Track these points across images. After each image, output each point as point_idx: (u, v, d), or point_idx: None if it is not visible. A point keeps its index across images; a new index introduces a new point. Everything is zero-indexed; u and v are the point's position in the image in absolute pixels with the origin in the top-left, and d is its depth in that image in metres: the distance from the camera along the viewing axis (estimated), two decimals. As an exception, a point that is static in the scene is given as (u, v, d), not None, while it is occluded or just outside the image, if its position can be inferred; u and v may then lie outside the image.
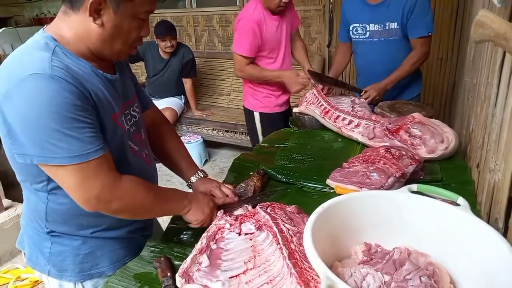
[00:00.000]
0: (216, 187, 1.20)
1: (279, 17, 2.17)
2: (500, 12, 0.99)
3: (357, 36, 2.16)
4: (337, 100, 1.92)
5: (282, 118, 2.34)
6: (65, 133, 0.80)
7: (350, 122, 1.72)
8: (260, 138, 2.42)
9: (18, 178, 0.99)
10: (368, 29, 2.10)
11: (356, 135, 1.66)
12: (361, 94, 2.07)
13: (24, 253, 1.10)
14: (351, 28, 2.17)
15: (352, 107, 1.84)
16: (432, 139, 1.46)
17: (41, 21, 5.83)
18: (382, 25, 2.06)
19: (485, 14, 0.70)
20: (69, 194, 0.88)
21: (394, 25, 2.04)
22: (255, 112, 2.40)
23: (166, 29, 3.55)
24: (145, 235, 1.16)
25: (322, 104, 1.86)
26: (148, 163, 1.12)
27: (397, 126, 1.56)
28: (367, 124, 1.66)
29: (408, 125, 1.53)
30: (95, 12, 0.84)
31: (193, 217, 1.06)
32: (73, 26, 0.88)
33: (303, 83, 2.07)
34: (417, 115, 1.58)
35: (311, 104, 1.90)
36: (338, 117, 1.77)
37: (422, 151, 1.44)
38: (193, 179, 1.24)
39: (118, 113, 0.97)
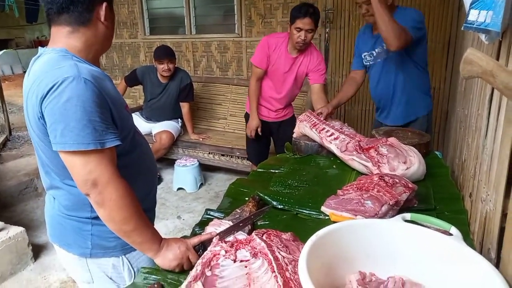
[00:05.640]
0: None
1: (294, 59, 2.60)
2: (489, 48, 1.04)
3: (368, 63, 2.42)
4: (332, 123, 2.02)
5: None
6: (86, 125, 0.94)
7: (332, 134, 1.86)
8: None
9: (58, 176, 1.11)
10: (374, 54, 2.35)
11: (333, 146, 1.80)
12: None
13: (58, 245, 1.21)
14: (363, 57, 2.43)
15: (341, 128, 1.94)
16: (396, 158, 1.53)
17: (41, 43, 5.96)
18: (381, 46, 2.26)
19: (473, 52, 0.73)
20: (72, 175, 0.99)
21: None
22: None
23: (165, 53, 3.62)
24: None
25: (312, 120, 2.03)
26: (147, 143, 1.31)
27: (369, 146, 1.66)
28: (344, 139, 1.79)
29: (379, 145, 1.61)
30: (105, 16, 1.07)
31: (164, 262, 1.06)
32: (83, 38, 1.06)
33: (250, 133, 2.85)
34: (391, 139, 1.63)
35: (303, 122, 2.05)
36: (323, 129, 1.93)
37: (385, 168, 1.52)
38: None
39: (126, 105, 1.16)
